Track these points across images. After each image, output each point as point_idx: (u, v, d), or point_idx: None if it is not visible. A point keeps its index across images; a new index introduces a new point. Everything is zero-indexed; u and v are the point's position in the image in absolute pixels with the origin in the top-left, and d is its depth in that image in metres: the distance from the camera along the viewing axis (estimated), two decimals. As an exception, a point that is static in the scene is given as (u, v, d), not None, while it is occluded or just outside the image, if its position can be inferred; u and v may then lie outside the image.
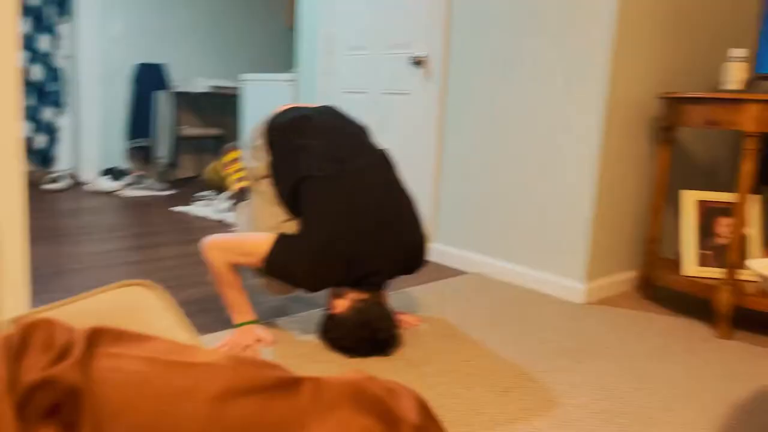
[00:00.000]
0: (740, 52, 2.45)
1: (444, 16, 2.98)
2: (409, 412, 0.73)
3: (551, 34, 2.61)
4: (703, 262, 2.50)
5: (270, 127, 2.06)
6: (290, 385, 0.73)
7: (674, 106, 2.51)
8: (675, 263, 2.66)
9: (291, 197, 1.96)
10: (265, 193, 2.05)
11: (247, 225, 2.11)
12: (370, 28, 3.36)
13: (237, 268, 1.94)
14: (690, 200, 2.56)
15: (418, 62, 3.09)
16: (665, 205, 2.95)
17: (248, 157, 2.13)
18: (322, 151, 1.95)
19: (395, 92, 3.24)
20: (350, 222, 1.85)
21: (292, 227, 1.95)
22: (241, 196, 2.29)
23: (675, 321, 2.44)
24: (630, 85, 2.57)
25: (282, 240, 1.88)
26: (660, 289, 2.85)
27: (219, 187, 2.51)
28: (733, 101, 2.23)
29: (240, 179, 2.33)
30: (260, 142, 2.07)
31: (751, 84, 2.92)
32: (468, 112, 2.95)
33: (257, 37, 5.91)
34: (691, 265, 2.49)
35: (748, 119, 2.18)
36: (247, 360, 0.75)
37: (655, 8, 2.60)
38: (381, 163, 2.01)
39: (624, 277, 2.79)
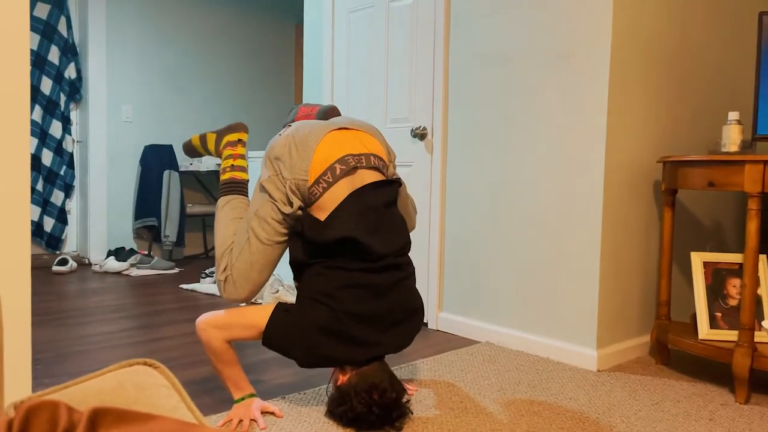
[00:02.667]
0: (737, 114, 2.50)
1: (442, 91, 3.07)
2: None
3: (546, 101, 2.67)
4: (716, 324, 2.46)
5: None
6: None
7: (674, 169, 2.53)
8: (687, 326, 2.61)
9: (299, 264, 1.93)
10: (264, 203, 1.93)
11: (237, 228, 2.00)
12: (373, 103, 3.45)
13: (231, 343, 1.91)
14: (699, 262, 2.54)
15: (419, 135, 3.15)
16: (673, 267, 2.93)
17: (264, 170, 1.97)
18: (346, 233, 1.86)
19: (399, 164, 3.30)
20: (357, 306, 1.84)
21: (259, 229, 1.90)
22: (230, 188, 2.09)
23: (692, 386, 2.37)
24: (628, 149, 2.61)
25: (280, 314, 1.85)
26: (674, 353, 2.79)
27: (193, 154, 2.26)
28: (733, 163, 2.26)
29: (233, 168, 2.12)
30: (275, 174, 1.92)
31: (750, 145, 2.96)
32: (470, 181, 2.98)
33: (266, 114, 6.07)
34: (703, 328, 2.45)
35: (749, 180, 2.20)
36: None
37: (649, 71, 2.67)
38: (395, 236, 1.94)
39: (637, 342, 2.74)
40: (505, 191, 2.84)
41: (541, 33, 2.68)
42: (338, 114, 2.19)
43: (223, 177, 2.10)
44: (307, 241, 1.88)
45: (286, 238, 1.93)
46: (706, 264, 2.53)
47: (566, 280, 2.63)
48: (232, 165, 2.10)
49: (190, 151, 2.24)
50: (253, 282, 1.93)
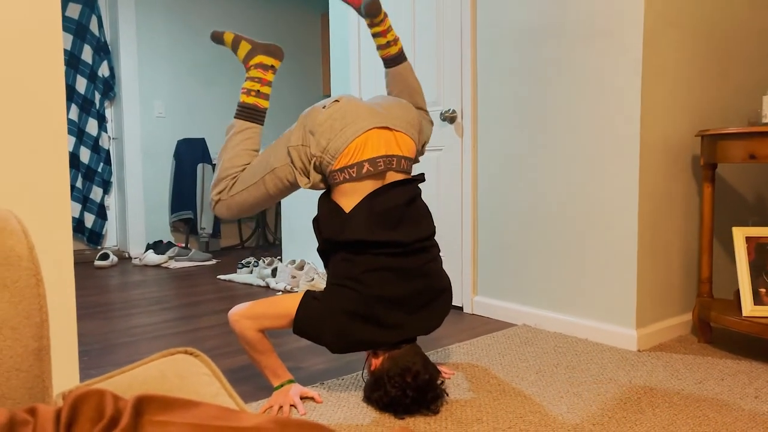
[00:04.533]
0: (775, 84, 2.42)
1: (470, 72, 3.03)
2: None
3: (577, 79, 2.62)
4: (760, 300, 2.40)
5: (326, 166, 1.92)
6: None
7: (713, 142, 2.47)
8: (730, 303, 2.55)
9: (329, 245, 1.95)
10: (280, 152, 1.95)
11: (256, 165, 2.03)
12: (399, 90, 3.43)
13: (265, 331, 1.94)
14: (741, 237, 2.47)
15: (449, 118, 3.13)
16: (715, 243, 2.86)
17: (295, 132, 1.96)
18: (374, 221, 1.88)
19: (429, 148, 3.28)
20: (383, 290, 1.84)
21: None
22: (250, 114, 2.07)
23: (737, 364, 2.32)
24: (664, 124, 2.55)
25: (309, 301, 1.87)
26: (717, 330, 2.74)
27: (218, 42, 2.16)
28: (774, 133, 2.19)
29: (259, 95, 2.08)
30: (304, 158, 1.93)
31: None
32: (501, 163, 2.95)
33: (295, 106, 6.10)
34: (747, 305, 2.39)
35: (792, 150, 2.13)
36: (292, 422, 0.74)
37: (684, 44, 2.60)
38: (419, 227, 1.95)
39: (678, 321, 2.69)
40: (538, 172, 2.80)
41: (572, 7, 2.62)
42: (376, 6, 2.10)
43: (246, 100, 2.07)
44: (326, 239, 1.91)
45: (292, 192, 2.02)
46: (748, 239, 2.46)
47: (603, 259, 2.59)
48: (259, 90, 2.08)
49: (218, 40, 2.17)
50: (246, 212, 2.04)
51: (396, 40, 2.19)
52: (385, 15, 2.15)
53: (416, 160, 2.09)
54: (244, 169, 2.03)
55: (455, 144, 3.15)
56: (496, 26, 2.92)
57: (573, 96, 2.65)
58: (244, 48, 2.12)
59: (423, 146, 2.17)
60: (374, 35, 2.18)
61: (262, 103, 2.08)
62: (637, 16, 2.41)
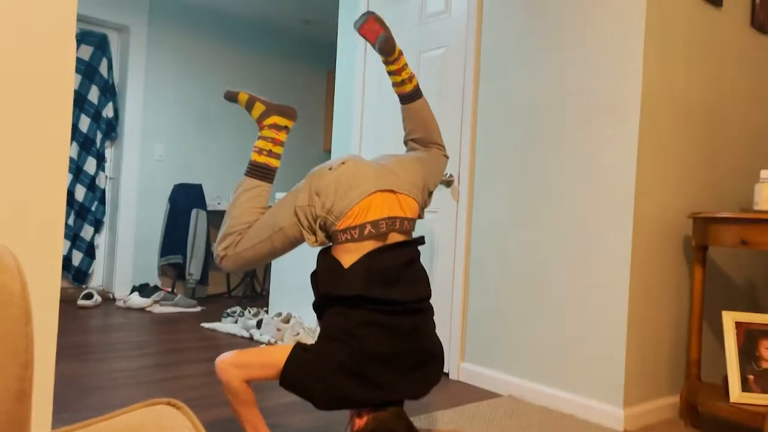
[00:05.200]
0: None
1: (469, 137, 3.09)
2: None
3: (575, 152, 2.67)
4: (748, 387, 2.38)
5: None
6: None
7: (706, 225, 2.50)
8: (718, 388, 2.53)
9: (325, 301, 1.93)
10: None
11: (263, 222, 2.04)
12: (401, 150, 3.48)
13: (249, 384, 1.90)
14: (730, 322, 2.47)
15: (445, 182, 3.16)
16: (704, 325, 2.86)
17: (302, 192, 1.98)
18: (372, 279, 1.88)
19: (426, 211, 3.30)
20: (375, 345, 1.82)
21: None
22: (261, 173, 2.09)
23: (724, 452, 2.28)
24: (658, 201, 2.59)
25: (299, 353, 1.84)
26: (705, 415, 2.70)
27: (232, 101, 2.20)
28: (767, 221, 2.22)
29: (270, 155, 2.10)
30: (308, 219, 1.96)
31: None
32: (496, 230, 2.97)
33: (296, 159, 6.16)
34: (735, 391, 2.37)
35: (783, 239, 2.16)
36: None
37: (679, 123, 2.66)
38: (416, 287, 1.95)
39: (666, 402, 2.66)
40: (532, 242, 2.82)
41: (570, 87, 2.70)
42: (390, 44, 2.14)
43: (258, 159, 2.10)
44: (322, 294, 1.90)
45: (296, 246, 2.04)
46: (738, 324, 2.46)
47: (592, 334, 2.58)
48: (270, 150, 2.10)
49: (232, 100, 2.21)
50: (252, 266, 2.06)
51: (411, 78, 2.21)
52: (400, 53, 2.18)
53: (420, 216, 2.11)
54: (250, 226, 2.04)
55: (450, 208, 3.18)
56: (497, 95, 2.99)
57: (570, 168, 2.69)
58: (259, 108, 2.17)
59: (430, 195, 2.18)
60: (389, 73, 2.22)
61: (273, 162, 2.12)
62: (634, 94, 2.48)
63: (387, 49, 2.14)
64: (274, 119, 2.15)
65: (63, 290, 4.89)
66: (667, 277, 2.65)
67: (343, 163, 1.99)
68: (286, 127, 2.16)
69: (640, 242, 2.52)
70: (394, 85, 2.24)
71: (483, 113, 3.06)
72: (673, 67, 2.61)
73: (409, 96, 2.22)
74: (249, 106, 2.17)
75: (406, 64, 2.21)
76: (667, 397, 2.68)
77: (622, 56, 2.53)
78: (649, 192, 2.54)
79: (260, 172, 2.10)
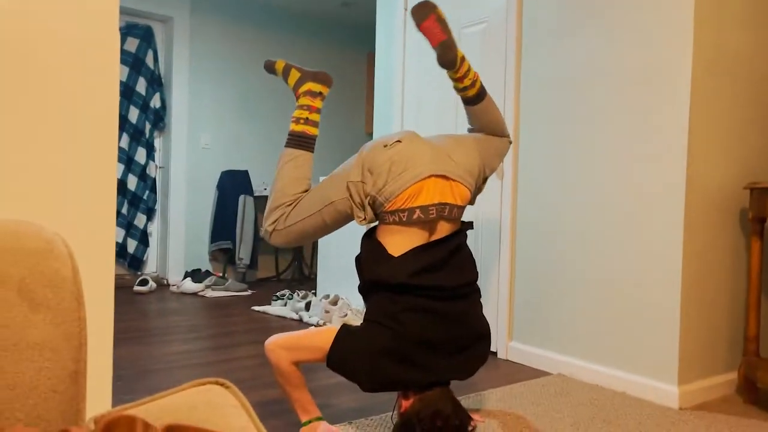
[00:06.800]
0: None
1: (513, 115, 3.04)
2: None
3: (623, 126, 2.59)
4: (812, 363, 2.29)
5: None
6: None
7: (763, 196, 2.40)
8: (779, 364, 2.44)
9: (370, 286, 1.94)
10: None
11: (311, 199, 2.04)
12: (443, 131, 3.45)
13: (299, 366, 1.93)
14: (790, 295, 2.38)
15: (489, 161, 3.12)
16: (763, 300, 2.76)
17: (353, 167, 1.98)
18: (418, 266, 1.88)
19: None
20: (420, 331, 1.83)
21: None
22: (300, 142, 2.09)
23: (786, 429, 2.21)
24: (711, 174, 2.50)
25: (345, 336, 1.86)
26: (764, 392, 2.61)
27: (271, 72, 2.22)
28: (828, 189, 2.12)
29: (308, 122, 2.10)
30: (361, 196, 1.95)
31: None
32: (542, 209, 2.92)
33: (338, 142, 6.20)
34: (798, 367, 2.28)
35: None
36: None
37: (733, 93, 2.56)
38: (463, 272, 1.94)
39: (723, 380, 2.58)
40: (580, 218, 2.76)
41: (617, 57, 2.62)
42: (450, 57, 2.02)
43: (295, 128, 2.11)
44: (367, 280, 1.91)
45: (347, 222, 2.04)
46: (799, 297, 2.37)
47: (646, 310, 2.52)
48: (307, 118, 2.11)
49: (270, 69, 2.24)
50: (303, 241, 2.06)
51: (474, 83, 2.10)
52: (462, 59, 2.07)
53: (471, 203, 2.09)
54: (296, 197, 2.05)
55: (495, 186, 3.14)
56: (540, 73, 2.93)
57: (618, 142, 2.62)
58: (294, 76, 2.17)
59: (485, 181, 2.14)
60: (451, 78, 2.14)
61: (311, 130, 2.12)
62: (686, 59, 2.39)
63: (447, 63, 2.03)
64: (309, 86, 2.14)
65: (120, 277, 5.07)
66: (722, 250, 2.56)
67: (399, 140, 1.96)
68: (320, 93, 2.15)
69: (694, 215, 2.44)
70: (456, 90, 2.14)
71: (526, 88, 3.00)
72: (726, 31, 2.50)
73: (473, 100, 2.13)
74: (285, 73, 2.19)
75: (469, 69, 2.08)
76: (724, 374, 2.61)
77: (672, 20, 2.44)
78: (702, 163, 2.45)
79: (298, 140, 2.10)
